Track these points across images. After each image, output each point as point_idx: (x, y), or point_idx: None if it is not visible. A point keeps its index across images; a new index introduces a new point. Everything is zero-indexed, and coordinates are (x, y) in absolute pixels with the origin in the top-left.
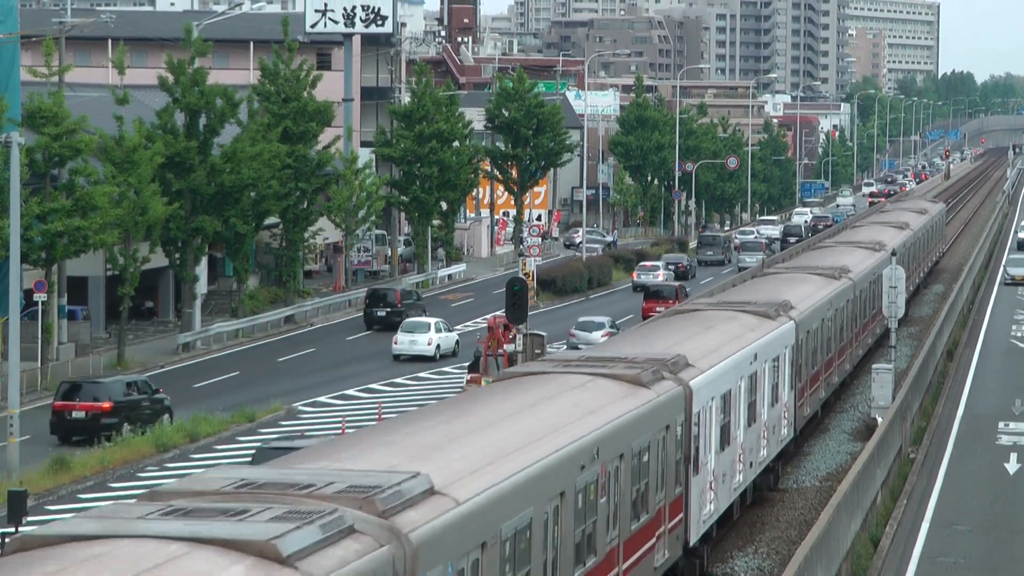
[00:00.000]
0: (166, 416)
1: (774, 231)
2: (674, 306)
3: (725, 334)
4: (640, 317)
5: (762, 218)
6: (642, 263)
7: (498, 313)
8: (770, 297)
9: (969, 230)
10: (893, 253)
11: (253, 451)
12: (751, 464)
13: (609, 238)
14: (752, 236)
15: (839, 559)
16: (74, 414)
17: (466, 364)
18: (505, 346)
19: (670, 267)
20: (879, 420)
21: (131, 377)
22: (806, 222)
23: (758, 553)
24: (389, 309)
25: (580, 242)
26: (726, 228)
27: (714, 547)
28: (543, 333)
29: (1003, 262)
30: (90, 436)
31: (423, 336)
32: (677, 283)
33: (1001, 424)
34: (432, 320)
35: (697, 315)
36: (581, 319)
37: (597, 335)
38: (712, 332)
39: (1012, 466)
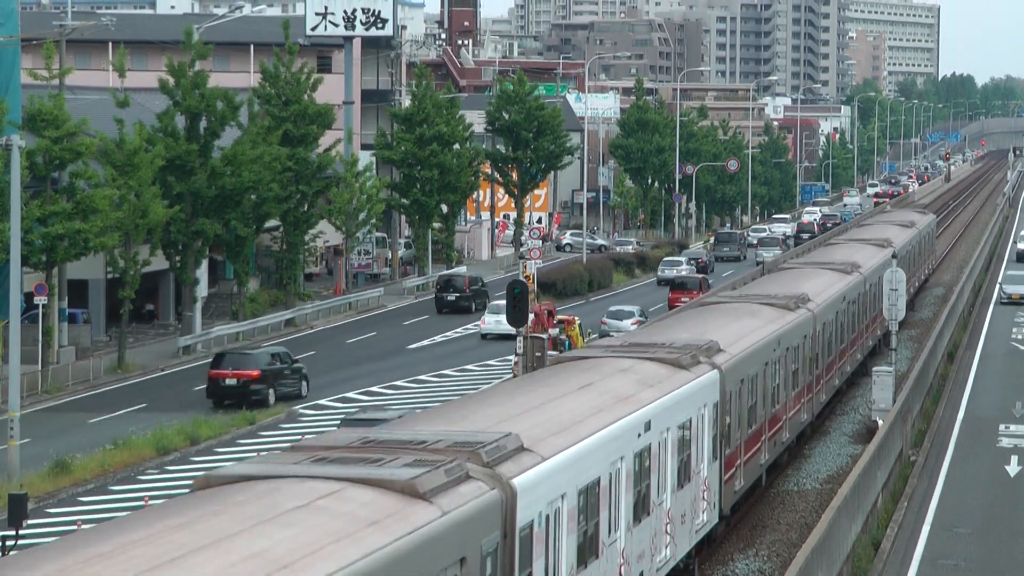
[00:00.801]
0: (304, 383)
1: (786, 228)
2: (699, 296)
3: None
4: (667, 307)
5: (776, 216)
6: (665, 259)
7: (542, 302)
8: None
9: (967, 235)
10: (864, 279)
11: (338, 421)
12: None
13: (600, 240)
14: (765, 233)
15: (840, 562)
16: (227, 381)
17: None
18: (549, 330)
19: (691, 262)
20: (880, 422)
21: (275, 348)
22: (815, 220)
23: (759, 556)
24: (458, 294)
25: (565, 243)
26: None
27: (715, 549)
28: (543, 336)
29: (999, 279)
30: (240, 401)
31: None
32: (700, 275)
33: (1002, 426)
34: None
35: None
36: (612, 308)
37: (627, 323)
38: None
39: (1013, 468)
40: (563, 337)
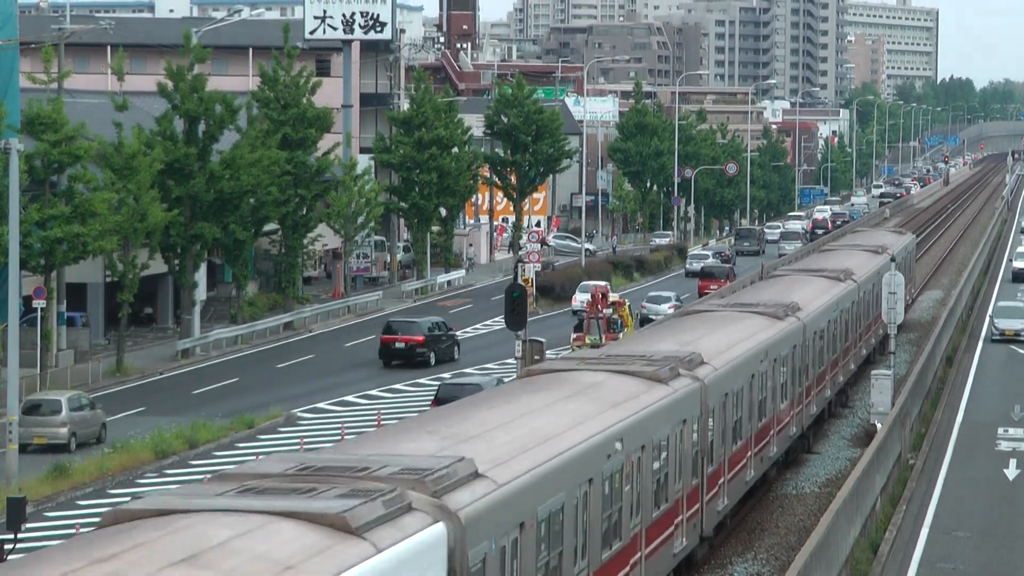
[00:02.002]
0: (456, 348)
1: (799, 225)
2: (725, 286)
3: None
4: (697, 294)
5: (791, 214)
6: (692, 252)
7: (599, 283)
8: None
9: (963, 243)
10: (814, 331)
11: (436, 388)
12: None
13: (588, 245)
14: (779, 229)
15: (838, 565)
16: (396, 345)
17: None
18: (603, 311)
19: (716, 256)
20: (878, 426)
21: (435, 318)
22: (827, 217)
23: (757, 559)
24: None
25: (550, 245)
26: (725, 233)
27: (713, 552)
28: (542, 339)
29: (989, 310)
30: (407, 361)
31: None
32: (727, 265)
33: (1000, 430)
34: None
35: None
36: (651, 294)
37: (665, 307)
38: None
39: (1011, 472)
40: (615, 317)
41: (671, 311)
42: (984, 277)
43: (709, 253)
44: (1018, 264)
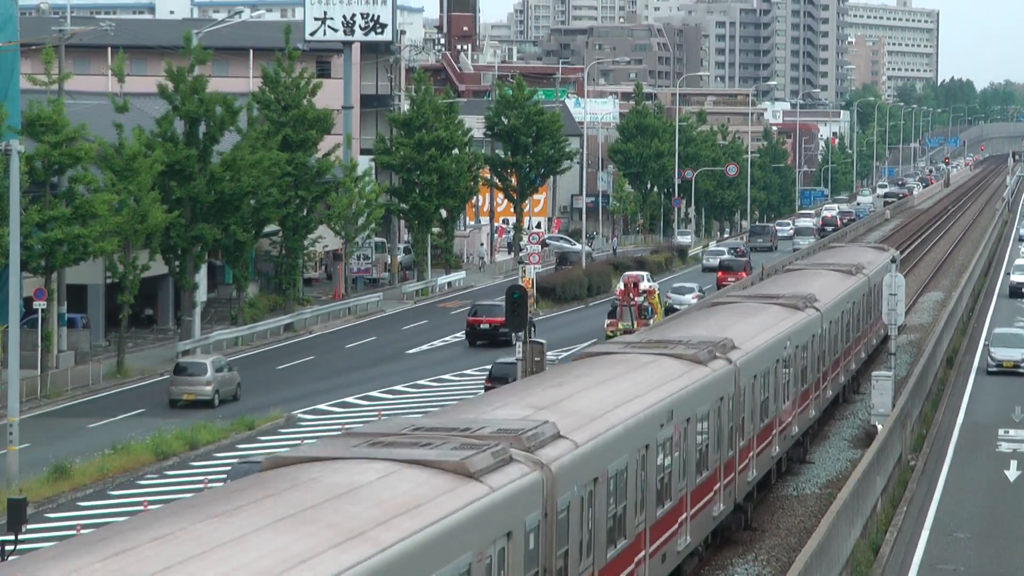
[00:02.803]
0: (533, 329)
1: (810, 222)
2: (745, 278)
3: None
4: (716, 286)
5: (801, 212)
6: (709, 248)
7: (631, 272)
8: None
9: (958, 250)
10: (752, 375)
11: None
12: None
13: (578, 247)
14: (789, 227)
15: (839, 566)
16: (482, 326)
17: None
18: (635, 299)
19: (732, 251)
20: (879, 427)
21: None
22: (836, 215)
23: (758, 560)
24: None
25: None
26: (725, 235)
27: (714, 554)
28: (543, 341)
29: (983, 338)
30: (491, 340)
31: None
32: (744, 259)
33: (1001, 431)
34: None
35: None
36: (675, 285)
37: (689, 297)
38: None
39: (1012, 473)
40: (647, 304)
41: (694, 300)
42: (984, 279)
43: (724, 249)
44: (1017, 278)
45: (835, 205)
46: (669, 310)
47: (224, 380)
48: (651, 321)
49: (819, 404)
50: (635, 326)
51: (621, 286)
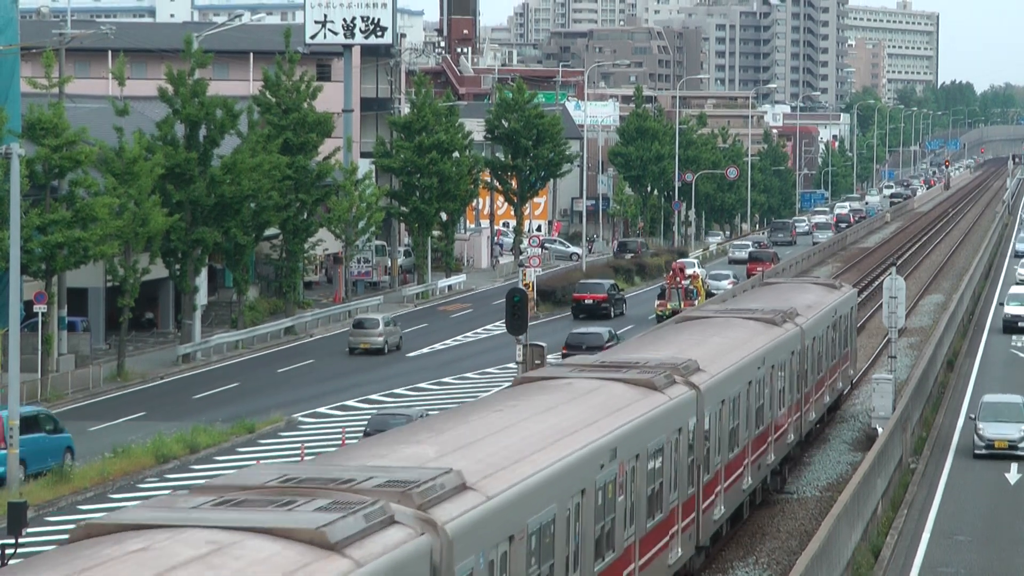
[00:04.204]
0: (624, 305)
1: (826, 218)
2: (769, 268)
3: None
4: (747, 275)
5: (816, 209)
6: (735, 242)
7: (682, 260)
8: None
9: (960, 252)
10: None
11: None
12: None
13: (573, 249)
14: (805, 223)
15: (840, 569)
16: (586, 301)
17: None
18: (682, 282)
19: (755, 244)
20: (879, 430)
21: (611, 281)
22: (849, 212)
23: (759, 563)
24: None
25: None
26: (727, 237)
27: (713, 556)
28: (543, 344)
29: (965, 403)
30: (593, 314)
31: None
32: (771, 250)
33: None
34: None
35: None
36: (712, 272)
37: (724, 283)
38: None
39: (1013, 476)
40: (691, 287)
41: (729, 286)
42: (984, 282)
43: (749, 243)
44: (1013, 309)
45: (847, 203)
46: (709, 295)
47: (391, 332)
48: (696, 302)
49: (776, 452)
50: (682, 306)
51: (670, 271)
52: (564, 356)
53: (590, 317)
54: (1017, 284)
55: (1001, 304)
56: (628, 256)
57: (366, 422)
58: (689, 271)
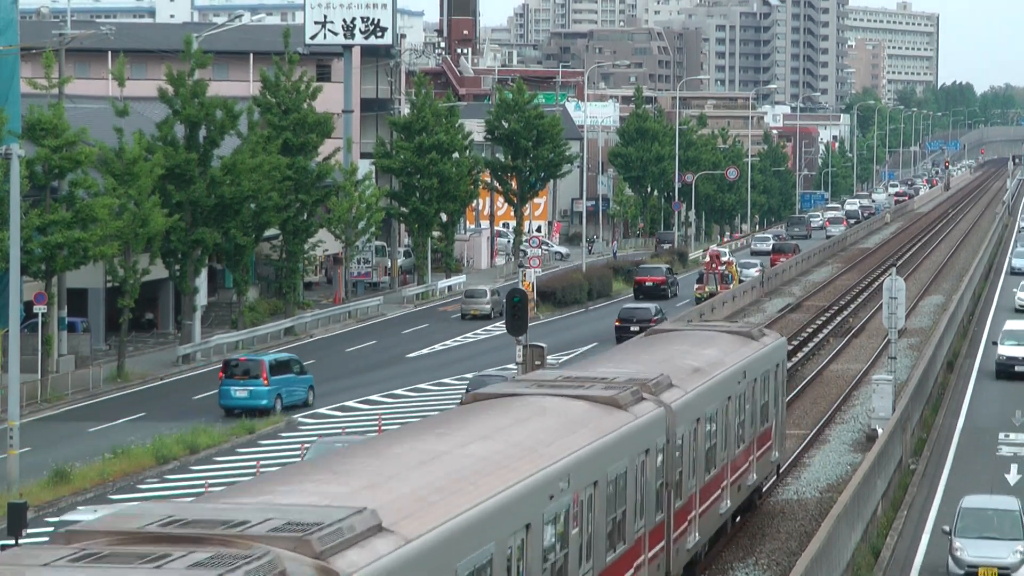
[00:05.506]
0: (664, 318)
1: (839, 214)
2: (783, 262)
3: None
4: (770, 264)
5: (828, 205)
6: (756, 235)
7: (713, 246)
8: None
9: (960, 253)
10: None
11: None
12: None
13: (562, 249)
14: (818, 218)
15: (840, 570)
16: (647, 283)
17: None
18: (719, 268)
19: (775, 237)
20: (879, 431)
21: (667, 265)
22: (858, 210)
23: (758, 564)
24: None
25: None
26: (725, 239)
27: (714, 557)
28: (543, 344)
29: (934, 514)
30: (649, 295)
31: None
32: (794, 242)
33: (1001, 435)
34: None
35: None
36: (742, 261)
37: (752, 271)
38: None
39: (1013, 477)
40: (727, 273)
41: (757, 274)
42: (981, 290)
43: (769, 236)
44: (1008, 350)
45: (856, 200)
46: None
47: (496, 302)
48: (731, 285)
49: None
50: (718, 289)
51: (707, 258)
52: (617, 328)
53: (649, 297)
54: (1016, 312)
55: (994, 343)
56: (666, 247)
57: (467, 382)
58: (724, 258)
